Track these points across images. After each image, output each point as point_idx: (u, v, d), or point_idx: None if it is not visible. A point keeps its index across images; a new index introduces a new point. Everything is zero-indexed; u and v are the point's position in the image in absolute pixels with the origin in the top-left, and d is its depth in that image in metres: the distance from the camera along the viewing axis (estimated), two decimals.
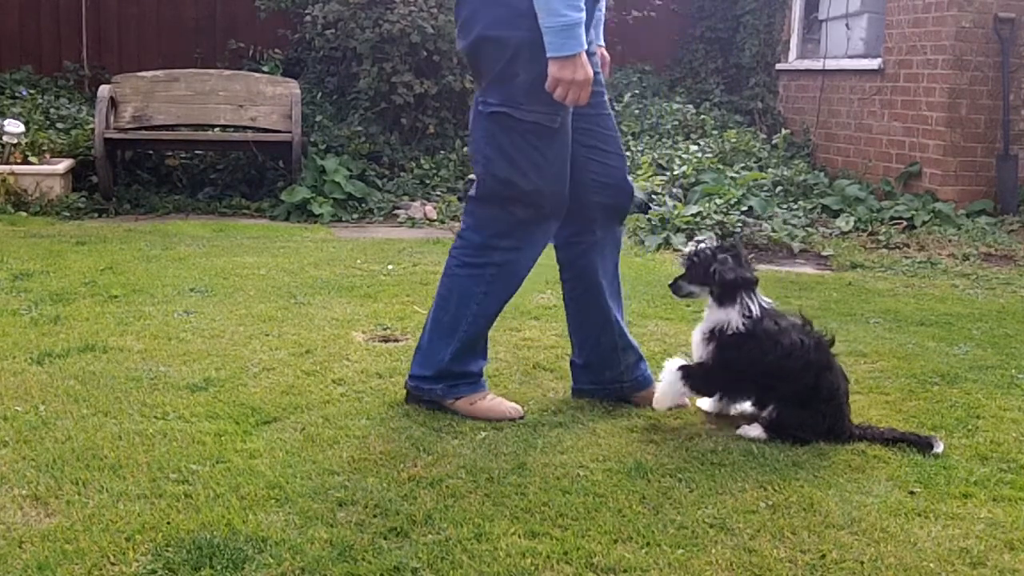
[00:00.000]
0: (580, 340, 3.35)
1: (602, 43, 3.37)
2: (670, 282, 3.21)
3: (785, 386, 3.03)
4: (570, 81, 2.87)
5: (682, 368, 3.13)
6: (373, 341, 4.03)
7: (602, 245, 3.26)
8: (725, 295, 3.05)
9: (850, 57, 8.64)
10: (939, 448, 2.94)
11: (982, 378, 3.71)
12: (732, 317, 3.05)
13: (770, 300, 3.14)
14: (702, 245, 3.13)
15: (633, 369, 3.34)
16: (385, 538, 2.35)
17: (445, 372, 3.16)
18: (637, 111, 9.16)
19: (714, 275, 3.05)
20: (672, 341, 4.10)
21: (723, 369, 3.08)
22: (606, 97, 3.27)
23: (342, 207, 7.53)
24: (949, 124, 7.47)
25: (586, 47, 2.89)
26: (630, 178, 3.31)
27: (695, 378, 3.12)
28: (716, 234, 3.15)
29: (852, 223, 7.03)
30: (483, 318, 3.16)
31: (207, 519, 2.41)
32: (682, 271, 3.15)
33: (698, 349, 3.14)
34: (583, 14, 2.86)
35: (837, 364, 3.12)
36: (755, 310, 3.05)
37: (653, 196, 7.09)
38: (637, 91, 9.65)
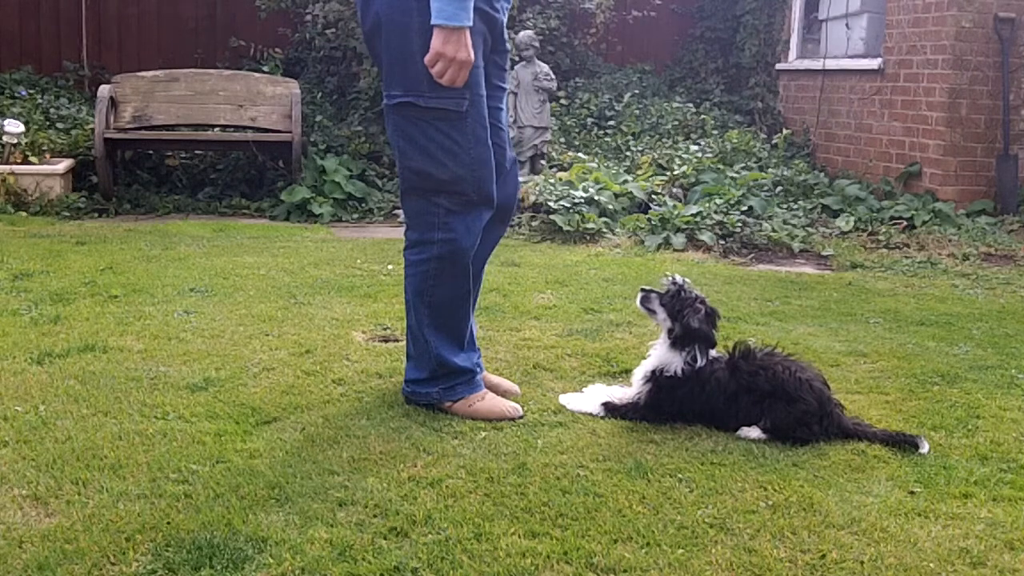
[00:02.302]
0: None
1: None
2: (645, 288, 3.24)
3: (722, 420, 3.09)
4: (451, 58, 2.82)
5: (605, 404, 3.20)
6: (373, 341, 4.03)
7: (482, 239, 3.21)
8: (681, 340, 3.11)
9: (850, 57, 8.64)
10: (924, 448, 2.94)
11: (982, 378, 3.71)
12: (675, 361, 3.11)
13: (719, 354, 3.18)
14: (689, 285, 3.17)
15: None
16: (385, 538, 2.35)
17: (438, 370, 3.15)
18: (637, 111, 9.17)
19: (683, 317, 3.10)
20: None
21: (654, 411, 3.13)
22: (507, 94, 3.27)
23: (342, 207, 7.54)
24: (949, 124, 7.47)
25: (471, 24, 2.83)
26: (519, 177, 3.27)
27: (617, 413, 3.18)
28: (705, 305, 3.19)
29: (852, 223, 7.03)
30: (445, 308, 3.13)
31: (207, 519, 2.41)
32: (662, 290, 3.19)
33: (636, 385, 3.20)
34: None
35: (771, 365, 3.10)
36: (700, 361, 3.10)
37: (653, 196, 7.09)
38: (637, 91, 9.66)
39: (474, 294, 3.31)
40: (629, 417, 3.16)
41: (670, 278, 3.19)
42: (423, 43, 2.87)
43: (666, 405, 3.12)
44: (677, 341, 3.13)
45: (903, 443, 2.97)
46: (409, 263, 3.14)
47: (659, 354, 3.17)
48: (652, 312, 3.20)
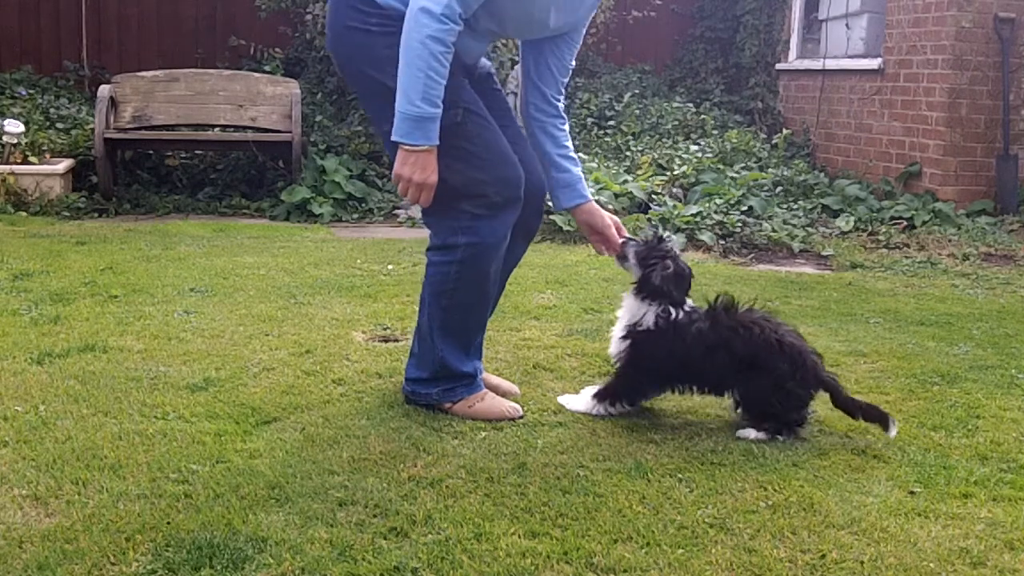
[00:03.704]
0: None
1: (589, 198, 3.28)
2: (626, 237, 3.25)
3: (702, 379, 3.10)
4: (408, 179, 2.84)
5: (596, 395, 3.20)
6: (373, 341, 4.03)
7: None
8: (644, 291, 3.11)
9: (850, 57, 8.64)
10: (893, 431, 2.96)
11: (982, 378, 3.71)
12: (647, 314, 3.09)
13: (693, 305, 3.17)
14: (671, 243, 3.16)
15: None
16: (385, 538, 2.35)
17: (440, 372, 3.14)
18: (637, 111, 9.17)
19: (646, 269, 3.10)
20: None
21: (635, 369, 3.12)
22: (509, 95, 3.27)
23: (342, 207, 7.53)
24: (949, 124, 7.47)
25: (436, 143, 2.82)
26: (540, 184, 3.24)
27: (606, 395, 3.19)
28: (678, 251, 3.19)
29: (852, 223, 7.03)
30: (462, 313, 3.11)
31: (207, 519, 2.41)
32: (640, 239, 3.20)
33: (615, 346, 3.18)
34: (439, 111, 2.81)
35: (753, 325, 3.07)
36: (673, 313, 3.09)
37: (653, 196, 7.09)
38: (637, 91, 9.66)
39: (492, 304, 3.29)
40: (617, 393, 3.15)
41: (654, 228, 3.17)
42: (392, 72, 2.82)
43: (647, 361, 3.10)
44: (639, 292, 3.12)
45: (875, 419, 2.99)
46: (431, 263, 3.10)
47: (628, 305, 3.14)
48: (624, 259, 3.19)
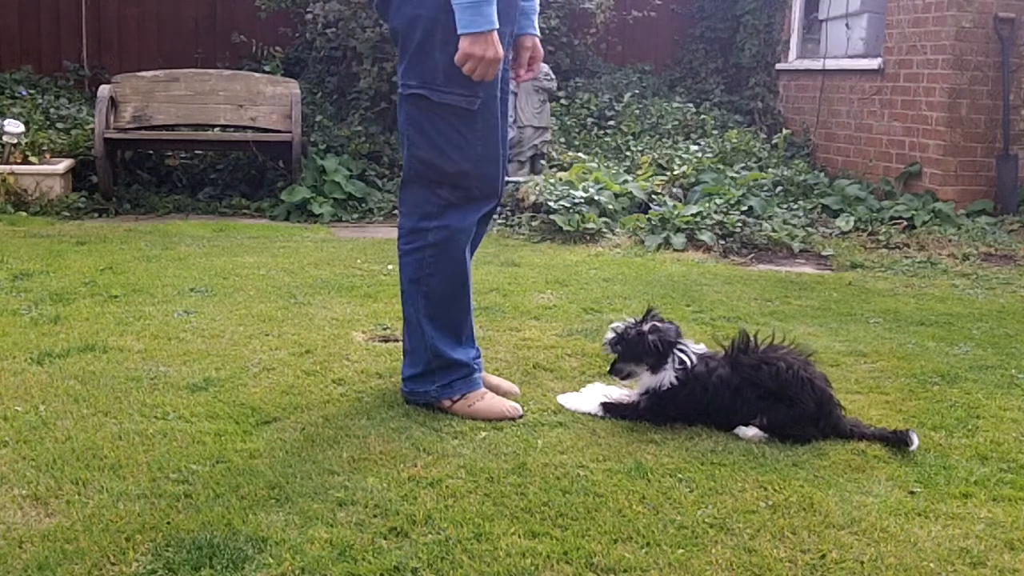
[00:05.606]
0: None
1: (535, 32, 3.35)
2: (608, 370, 3.27)
3: (722, 417, 3.08)
4: (480, 57, 2.89)
5: (604, 404, 3.20)
6: (373, 341, 4.03)
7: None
8: (659, 363, 3.11)
9: (850, 57, 8.64)
10: (915, 444, 2.93)
11: (982, 378, 3.71)
12: (665, 375, 3.10)
13: (702, 347, 3.18)
14: (621, 325, 3.18)
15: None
16: (385, 538, 2.35)
17: (433, 361, 3.14)
18: (637, 111, 9.17)
19: (646, 347, 3.10)
20: None
21: (655, 415, 3.12)
22: (511, 95, 3.32)
23: (342, 207, 7.54)
24: (949, 124, 7.47)
25: (497, 26, 2.90)
26: (504, 180, 3.30)
27: (618, 412, 3.18)
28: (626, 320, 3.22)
29: (852, 223, 7.03)
30: (442, 297, 3.13)
31: (207, 519, 2.41)
32: (615, 355, 3.20)
33: (635, 395, 3.19)
34: None
35: (774, 362, 3.07)
36: (688, 361, 3.09)
37: (653, 196, 7.09)
38: (637, 91, 9.66)
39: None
40: (629, 417, 3.15)
41: (608, 345, 3.20)
42: (442, 41, 2.92)
43: (669, 410, 3.12)
44: (656, 366, 3.12)
45: (894, 441, 2.96)
46: (404, 252, 3.15)
47: (645, 381, 3.15)
48: (631, 374, 3.19)
